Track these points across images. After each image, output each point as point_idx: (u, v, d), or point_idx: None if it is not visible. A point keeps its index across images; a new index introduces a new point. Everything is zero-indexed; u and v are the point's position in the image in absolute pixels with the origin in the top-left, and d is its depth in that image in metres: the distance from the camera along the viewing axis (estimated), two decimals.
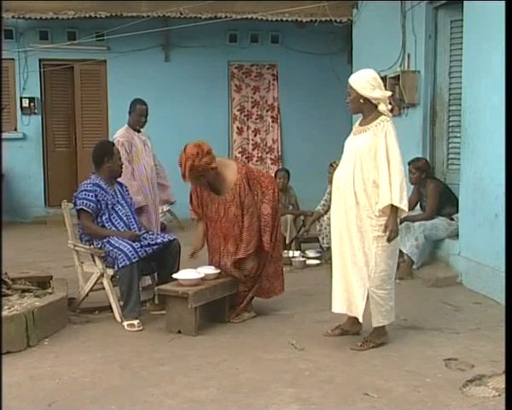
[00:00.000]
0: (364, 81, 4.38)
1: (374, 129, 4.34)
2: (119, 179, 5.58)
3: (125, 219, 5.40)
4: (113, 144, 5.65)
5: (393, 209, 4.26)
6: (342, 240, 4.45)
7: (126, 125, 6.24)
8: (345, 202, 4.40)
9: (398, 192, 4.22)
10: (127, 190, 5.68)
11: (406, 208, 4.31)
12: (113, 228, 5.33)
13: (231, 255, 5.09)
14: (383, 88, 4.42)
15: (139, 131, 6.25)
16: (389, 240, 4.29)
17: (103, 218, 5.33)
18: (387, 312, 4.45)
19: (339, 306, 4.57)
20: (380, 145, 4.28)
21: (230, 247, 5.09)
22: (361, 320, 4.50)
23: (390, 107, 4.43)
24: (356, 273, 4.39)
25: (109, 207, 5.36)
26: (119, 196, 5.48)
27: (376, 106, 4.38)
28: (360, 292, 4.39)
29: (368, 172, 4.31)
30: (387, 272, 4.39)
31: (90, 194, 5.28)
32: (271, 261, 5.23)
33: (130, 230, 5.37)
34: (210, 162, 4.92)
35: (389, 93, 4.41)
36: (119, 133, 6.18)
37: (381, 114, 4.37)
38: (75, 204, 5.35)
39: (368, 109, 4.41)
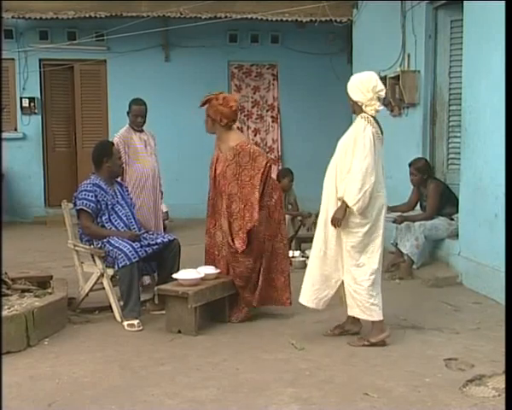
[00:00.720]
0: (351, 84, 4.56)
1: (352, 126, 4.52)
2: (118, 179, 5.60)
3: (124, 219, 5.40)
4: (113, 144, 5.65)
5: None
6: (320, 236, 4.59)
7: (127, 125, 6.25)
8: (327, 198, 4.56)
9: (348, 187, 4.36)
10: (127, 190, 5.69)
11: (350, 203, 4.36)
12: (113, 228, 5.32)
13: (231, 217, 5.05)
14: (371, 90, 4.43)
15: (141, 131, 6.25)
16: (332, 224, 4.44)
17: (103, 218, 5.33)
18: (366, 308, 4.48)
19: (303, 298, 4.66)
20: (351, 142, 4.42)
21: (225, 206, 5.06)
22: (320, 308, 4.60)
23: (374, 108, 4.45)
24: (330, 265, 4.53)
25: (109, 207, 5.36)
26: (119, 196, 5.48)
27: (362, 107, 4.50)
28: (330, 284, 4.55)
29: (346, 168, 4.44)
30: (360, 269, 4.46)
31: (90, 194, 5.29)
32: (262, 271, 5.11)
33: (130, 230, 5.37)
34: (223, 114, 5.09)
35: (370, 95, 4.43)
36: (118, 133, 6.20)
37: (362, 112, 4.48)
38: (75, 204, 5.35)
39: (357, 109, 4.55)
